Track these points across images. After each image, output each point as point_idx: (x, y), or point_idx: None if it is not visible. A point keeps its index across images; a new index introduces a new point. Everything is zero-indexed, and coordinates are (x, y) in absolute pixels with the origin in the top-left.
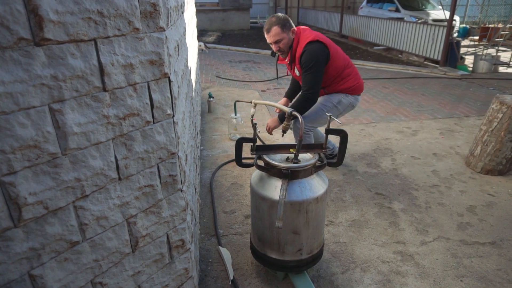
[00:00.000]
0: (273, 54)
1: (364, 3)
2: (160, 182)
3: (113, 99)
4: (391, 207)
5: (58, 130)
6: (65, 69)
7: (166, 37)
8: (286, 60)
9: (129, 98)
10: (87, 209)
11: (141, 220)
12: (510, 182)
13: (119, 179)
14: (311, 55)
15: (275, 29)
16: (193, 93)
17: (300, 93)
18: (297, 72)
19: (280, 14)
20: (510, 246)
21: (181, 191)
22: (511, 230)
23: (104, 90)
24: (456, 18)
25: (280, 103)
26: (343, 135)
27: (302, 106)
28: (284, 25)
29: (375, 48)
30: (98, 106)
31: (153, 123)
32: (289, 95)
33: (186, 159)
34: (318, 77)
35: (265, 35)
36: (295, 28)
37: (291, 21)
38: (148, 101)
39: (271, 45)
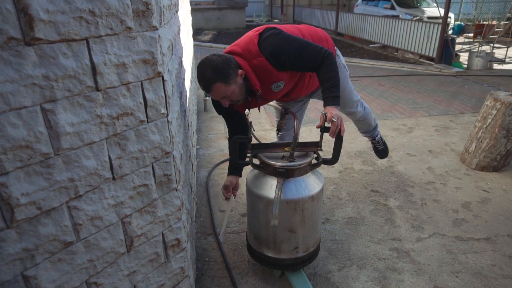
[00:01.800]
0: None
1: (360, 1)
2: (155, 181)
3: (106, 98)
4: (387, 204)
5: (50, 130)
6: (57, 68)
7: (159, 36)
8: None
9: (122, 97)
10: (81, 209)
11: (136, 220)
12: (504, 178)
13: (113, 178)
14: (278, 43)
15: (217, 87)
16: (188, 92)
17: (318, 71)
18: (276, 88)
19: (214, 59)
20: (505, 241)
21: (176, 190)
22: (506, 226)
23: (97, 89)
24: (451, 15)
25: (228, 183)
26: (338, 132)
27: (334, 75)
28: (225, 75)
29: (371, 45)
30: (91, 105)
31: (147, 122)
32: (240, 169)
33: (181, 158)
34: (307, 42)
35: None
36: (241, 61)
37: (232, 58)
38: (142, 101)
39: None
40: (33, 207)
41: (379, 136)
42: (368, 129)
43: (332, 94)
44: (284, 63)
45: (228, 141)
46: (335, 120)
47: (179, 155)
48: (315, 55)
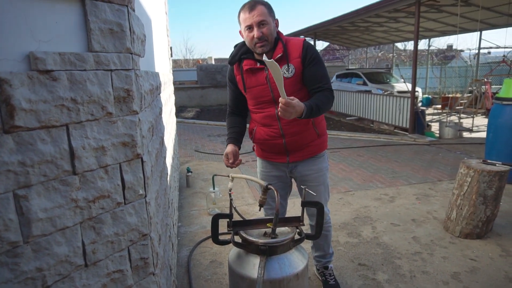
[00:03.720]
0: (232, 61)
1: (334, 78)
2: (131, 266)
3: (83, 182)
4: (376, 278)
5: (21, 217)
6: (34, 154)
7: (139, 120)
8: (257, 65)
9: (99, 180)
10: None
11: None
12: (489, 245)
13: (86, 265)
14: (315, 48)
15: (261, 8)
16: (169, 169)
17: (321, 92)
18: (287, 72)
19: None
20: None
21: (154, 274)
22: None
23: (74, 173)
24: (419, 89)
25: (228, 152)
26: (319, 207)
27: (325, 105)
28: (270, 9)
29: (348, 118)
30: (67, 190)
31: (124, 204)
32: (237, 138)
33: (160, 239)
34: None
35: (245, 15)
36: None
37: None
38: (120, 182)
39: (246, 31)
40: None
41: (332, 266)
42: (326, 251)
43: (312, 106)
44: (308, 57)
45: (226, 118)
46: (285, 107)
47: (157, 236)
48: (327, 77)
